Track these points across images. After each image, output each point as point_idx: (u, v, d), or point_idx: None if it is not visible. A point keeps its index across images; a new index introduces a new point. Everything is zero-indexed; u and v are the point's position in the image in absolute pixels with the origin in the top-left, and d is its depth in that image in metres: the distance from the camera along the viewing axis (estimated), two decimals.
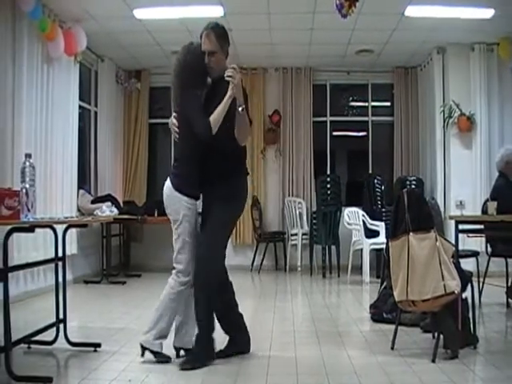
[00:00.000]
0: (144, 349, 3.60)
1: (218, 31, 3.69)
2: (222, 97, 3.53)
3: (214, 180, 3.65)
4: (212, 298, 3.61)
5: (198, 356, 3.56)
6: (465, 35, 7.45)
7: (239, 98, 3.52)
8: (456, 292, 3.52)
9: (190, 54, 3.67)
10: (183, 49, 3.71)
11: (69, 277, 6.60)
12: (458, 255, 4.05)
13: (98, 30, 7.14)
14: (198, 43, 3.68)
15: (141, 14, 6.66)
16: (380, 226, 7.54)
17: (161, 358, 3.59)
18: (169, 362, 3.60)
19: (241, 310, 3.85)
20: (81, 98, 7.72)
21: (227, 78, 3.48)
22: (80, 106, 7.71)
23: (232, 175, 3.70)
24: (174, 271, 3.64)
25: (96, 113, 8.52)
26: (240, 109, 3.51)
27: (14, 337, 3.40)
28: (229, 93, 3.50)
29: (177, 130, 3.66)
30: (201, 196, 3.74)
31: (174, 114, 3.72)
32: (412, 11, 6.50)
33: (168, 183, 3.65)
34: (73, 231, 6.68)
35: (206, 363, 3.54)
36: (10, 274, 3.26)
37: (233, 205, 3.71)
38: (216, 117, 3.50)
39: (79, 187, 7.62)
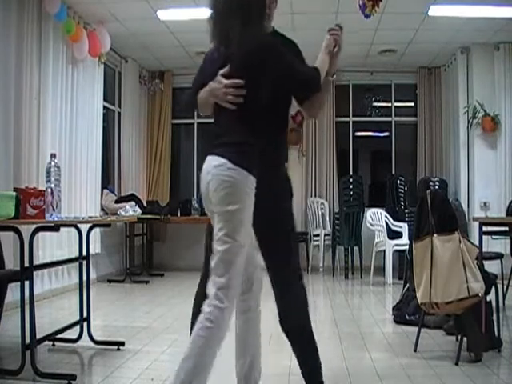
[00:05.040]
0: None
1: None
2: None
3: (270, 165, 2.54)
4: None
5: None
6: (489, 35, 7.36)
7: (336, 62, 2.73)
8: (480, 294, 3.48)
9: None
10: None
11: (92, 276, 6.69)
12: (482, 257, 3.99)
13: (122, 31, 7.21)
14: None
15: (164, 15, 6.71)
16: (403, 227, 7.47)
17: None
18: None
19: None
20: (105, 99, 7.80)
21: (332, 32, 2.70)
22: (104, 107, 7.78)
23: (283, 163, 2.71)
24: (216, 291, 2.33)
25: (120, 113, 8.60)
26: (334, 76, 2.75)
27: (39, 334, 3.47)
28: (328, 48, 2.69)
29: (234, 91, 2.39)
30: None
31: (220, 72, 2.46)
32: (435, 11, 6.45)
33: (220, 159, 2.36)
34: (97, 230, 6.72)
35: None
36: (34, 273, 3.31)
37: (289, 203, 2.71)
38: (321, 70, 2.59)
39: (103, 187, 7.71)
